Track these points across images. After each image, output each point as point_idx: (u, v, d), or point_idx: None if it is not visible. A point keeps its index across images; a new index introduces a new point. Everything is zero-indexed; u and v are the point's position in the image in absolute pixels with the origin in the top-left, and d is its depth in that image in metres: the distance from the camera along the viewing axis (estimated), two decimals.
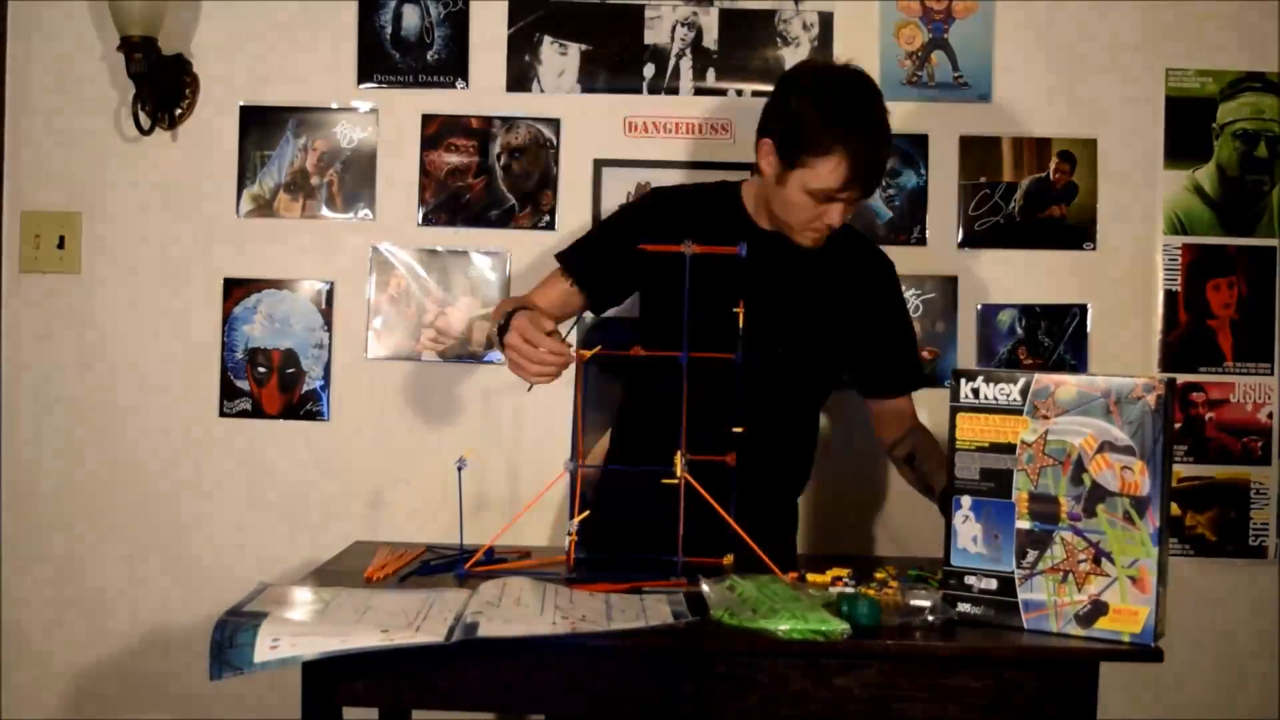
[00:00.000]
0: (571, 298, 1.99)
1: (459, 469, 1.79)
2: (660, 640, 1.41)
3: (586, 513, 1.71)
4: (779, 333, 1.92)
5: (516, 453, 2.48)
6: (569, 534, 1.71)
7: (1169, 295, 2.51)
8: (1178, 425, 2.49)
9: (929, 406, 2.45)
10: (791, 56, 2.50)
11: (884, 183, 2.49)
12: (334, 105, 2.51)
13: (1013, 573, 1.49)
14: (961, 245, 2.51)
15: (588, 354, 1.69)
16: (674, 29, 2.50)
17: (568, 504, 1.97)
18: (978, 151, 2.50)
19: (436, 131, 2.51)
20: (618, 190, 2.48)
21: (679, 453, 1.69)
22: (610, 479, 2.02)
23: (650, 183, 2.47)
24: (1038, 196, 2.50)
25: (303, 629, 1.36)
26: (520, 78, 2.51)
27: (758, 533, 1.71)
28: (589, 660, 1.44)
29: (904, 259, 2.50)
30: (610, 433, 2.14)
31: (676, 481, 1.69)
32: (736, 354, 1.73)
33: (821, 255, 1.93)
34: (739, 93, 2.50)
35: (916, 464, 1.98)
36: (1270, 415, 2.51)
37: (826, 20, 2.50)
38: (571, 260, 2.00)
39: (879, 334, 2.02)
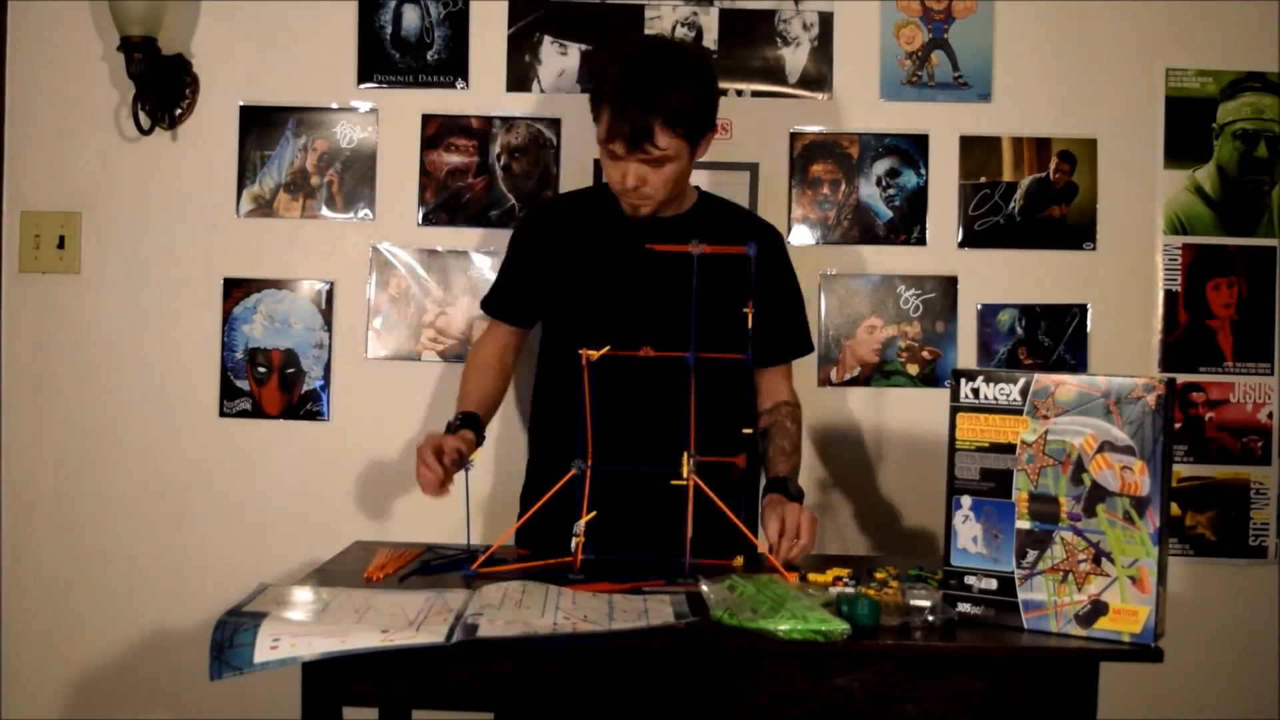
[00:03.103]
0: (514, 335, 2.15)
1: (465, 470, 1.79)
2: (660, 640, 1.42)
3: (593, 514, 1.71)
4: (663, 313, 1.91)
5: (518, 453, 2.48)
6: (575, 535, 1.71)
7: (1169, 295, 2.51)
8: (1178, 425, 2.49)
9: (929, 407, 2.46)
10: (791, 56, 2.50)
11: (884, 183, 2.50)
12: (334, 105, 2.51)
13: (1013, 573, 1.49)
14: (961, 245, 2.51)
15: (595, 354, 1.69)
16: (674, 29, 2.50)
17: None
18: (978, 151, 2.50)
19: (436, 131, 2.51)
20: None
21: (686, 454, 1.70)
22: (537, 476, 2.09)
23: None
24: (1038, 196, 2.50)
25: (303, 629, 1.36)
26: (520, 78, 2.50)
27: (713, 530, 1.77)
28: (589, 660, 1.45)
29: (904, 259, 2.51)
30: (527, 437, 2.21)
31: (685, 482, 1.69)
32: (747, 353, 1.74)
33: (693, 230, 1.89)
34: (739, 93, 2.50)
35: (767, 439, 2.03)
36: (1270, 415, 2.51)
37: (826, 20, 2.50)
38: (494, 305, 2.15)
39: (761, 304, 1.91)
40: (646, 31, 2.48)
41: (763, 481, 2.00)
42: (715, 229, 1.95)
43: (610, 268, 1.98)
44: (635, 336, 1.77)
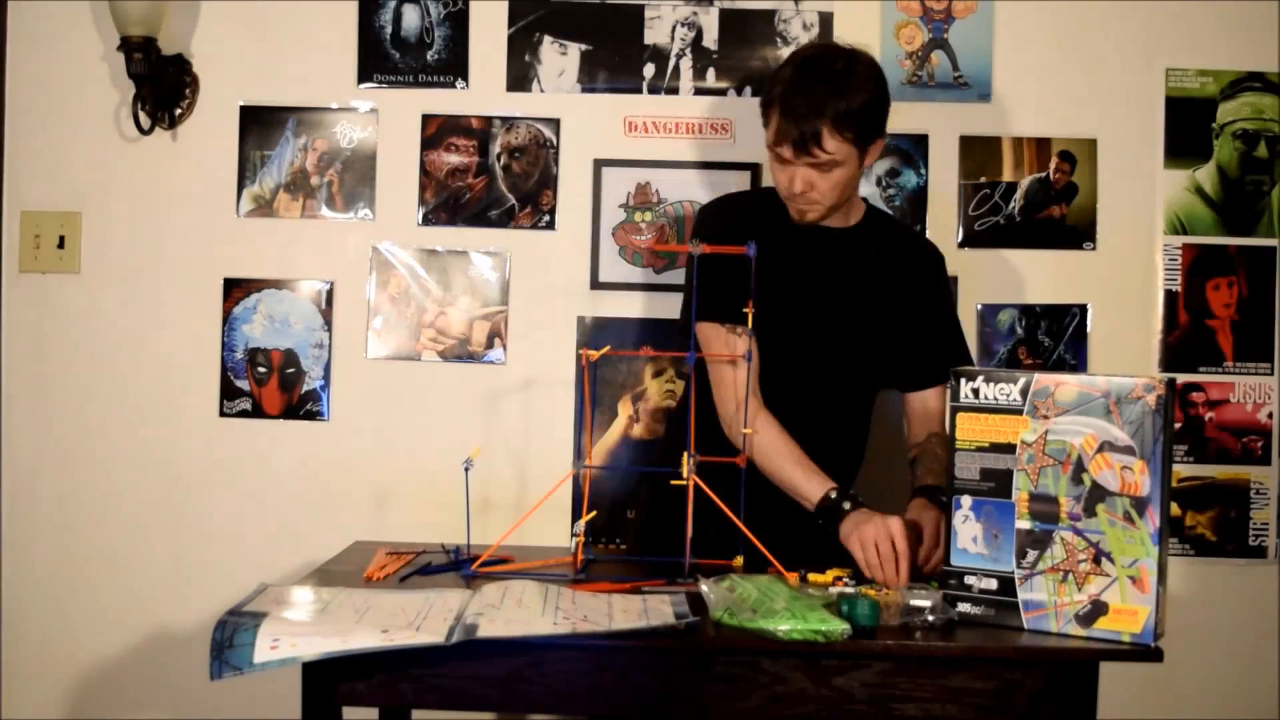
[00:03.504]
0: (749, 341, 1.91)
1: (465, 469, 1.79)
2: (660, 640, 1.42)
3: (593, 513, 1.71)
4: (830, 326, 1.94)
5: (517, 453, 2.48)
6: (574, 535, 1.71)
7: (1169, 295, 2.51)
8: (1178, 425, 2.49)
9: None
10: None
11: (884, 183, 2.50)
12: (334, 105, 2.51)
13: (1013, 573, 1.49)
14: (961, 245, 2.51)
15: (595, 355, 1.70)
16: (674, 29, 2.50)
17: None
18: (978, 151, 2.50)
19: (436, 131, 2.51)
20: (618, 190, 2.48)
21: (685, 454, 1.70)
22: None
23: (650, 183, 2.47)
24: (1038, 196, 2.50)
25: (303, 629, 1.36)
26: (520, 78, 2.50)
27: (809, 536, 1.77)
28: (589, 660, 1.45)
29: None
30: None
31: (685, 483, 1.69)
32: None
33: (863, 244, 1.96)
34: (739, 93, 2.50)
35: (917, 465, 1.98)
36: (1270, 415, 2.51)
37: (826, 20, 2.50)
38: (726, 314, 1.90)
39: (916, 325, 1.99)
40: (646, 32, 2.48)
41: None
42: (883, 244, 1.99)
43: (789, 274, 1.94)
44: (812, 345, 1.87)
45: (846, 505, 1.74)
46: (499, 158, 2.50)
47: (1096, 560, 1.44)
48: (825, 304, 1.95)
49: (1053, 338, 2.50)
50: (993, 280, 2.50)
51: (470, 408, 2.50)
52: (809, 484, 1.79)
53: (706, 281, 1.85)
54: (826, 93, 1.79)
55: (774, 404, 1.88)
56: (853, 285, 1.96)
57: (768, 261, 1.85)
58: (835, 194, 1.87)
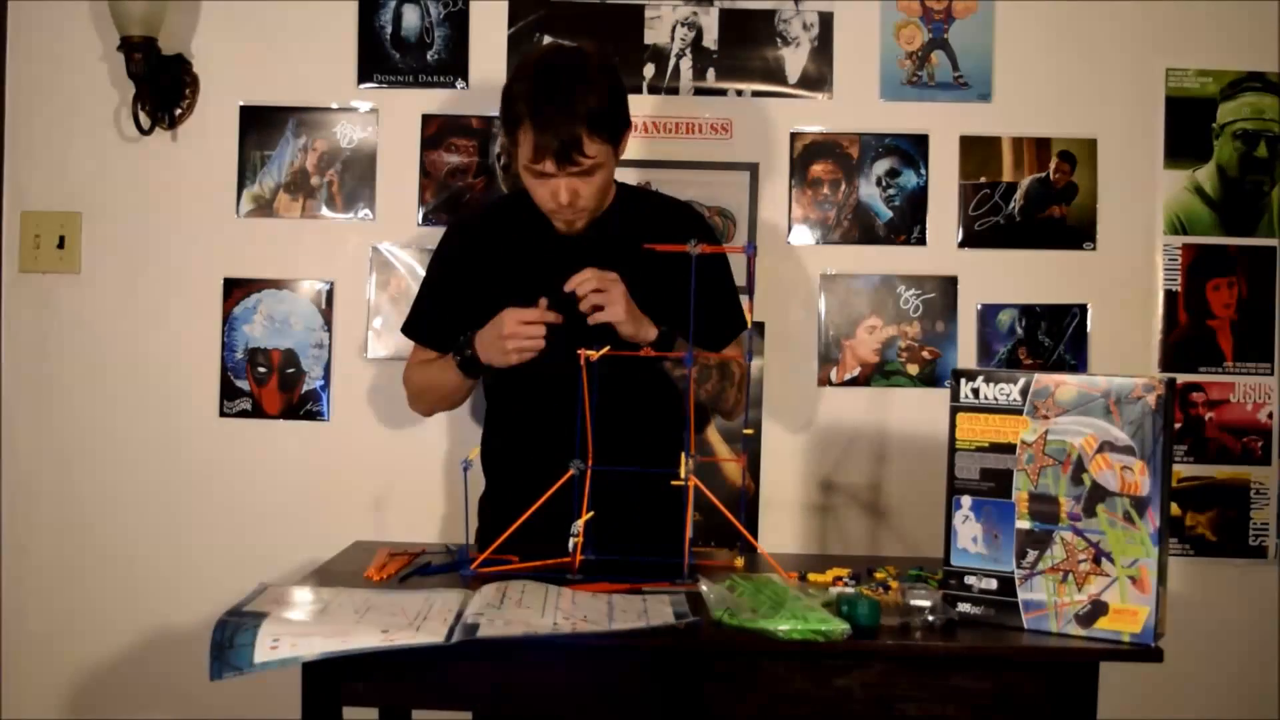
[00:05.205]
0: (442, 359, 2.02)
1: (464, 470, 1.78)
2: (660, 640, 1.42)
3: (591, 514, 1.71)
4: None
5: None
6: (573, 535, 1.71)
7: (1169, 295, 2.51)
8: (1178, 425, 2.49)
9: (929, 406, 2.46)
10: (791, 56, 2.50)
11: (884, 183, 2.49)
12: (334, 105, 2.51)
13: (1013, 573, 1.49)
14: (961, 245, 2.51)
15: (595, 355, 1.69)
16: (674, 29, 2.50)
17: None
18: (978, 151, 2.50)
19: (436, 131, 2.51)
20: None
21: (683, 455, 1.70)
22: (502, 476, 2.05)
23: (650, 182, 2.47)
24: (1038, 196, 2.50)
25: (303, 629, 1.36)
26: None
27: (659, 524, 1.81)
28: (589, 660, 1.45)
29: (904, 259, 2.51)
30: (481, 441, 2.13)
31: (683, 483, 1.69)
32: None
33: (627, 230, 1.91)
34: (739, 93, 2.50)
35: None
36: (1270, 415, 2.51)
37: (826, 20, 2.50)
38: (415, 331, 2.08)
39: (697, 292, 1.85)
40: (646, 32, 2.48)
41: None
42: (634, 222, 1.94)
43: (546, 274, 1.89)
44: (578, 342, 1.74)
45: (462, 338, 1.89)
46: (499, 158, 2.50)
47: (1096, 560, 1.44)
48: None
49: (1053, 338, 2.50)
50: (993, 280, 2.50)
51: (470, 407, 2.50)
52: (446, 362, 1.94)
53: (421, 294, 2.07)
54: (574, 96, 1.76)
55: (563, 403, 1.78)
56: (624, 272, 1.86)
57: (516, 267, 1.92)
58: (599, 196, 1.87)
